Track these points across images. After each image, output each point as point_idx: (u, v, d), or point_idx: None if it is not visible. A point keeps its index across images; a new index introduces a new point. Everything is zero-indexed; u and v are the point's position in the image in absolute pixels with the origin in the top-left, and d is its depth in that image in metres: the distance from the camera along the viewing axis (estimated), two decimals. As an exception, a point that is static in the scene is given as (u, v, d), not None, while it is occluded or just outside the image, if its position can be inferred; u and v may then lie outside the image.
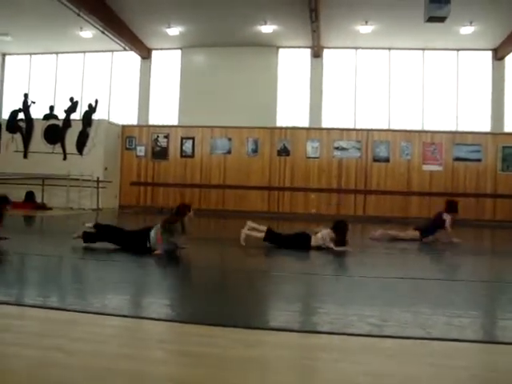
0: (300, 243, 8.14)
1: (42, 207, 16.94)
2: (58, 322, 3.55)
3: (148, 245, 6.97)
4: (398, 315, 3.98)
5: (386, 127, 18.47)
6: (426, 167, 17.61)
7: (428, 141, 17.65)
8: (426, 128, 18.33)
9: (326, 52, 19.02)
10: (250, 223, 8.35)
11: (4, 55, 21.15)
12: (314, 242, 8.15)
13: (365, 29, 16.62)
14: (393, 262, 7.72)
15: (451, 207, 10.48)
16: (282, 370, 2.76)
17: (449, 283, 5.70)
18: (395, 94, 18.71)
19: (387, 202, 17.59)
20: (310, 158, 18.15)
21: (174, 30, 17.67)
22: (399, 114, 18.64)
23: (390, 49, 18.61)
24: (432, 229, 10.33)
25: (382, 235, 10.31)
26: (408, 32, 16.91)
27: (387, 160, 17.83)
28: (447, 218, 10.19)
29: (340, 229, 8.29)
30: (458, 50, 18.35)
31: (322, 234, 8.19)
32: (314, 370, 2.82)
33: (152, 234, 7.02)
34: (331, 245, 8.01)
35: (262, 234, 8.24)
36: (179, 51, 19.80)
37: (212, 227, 14.07)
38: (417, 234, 10.25)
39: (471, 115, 18.46)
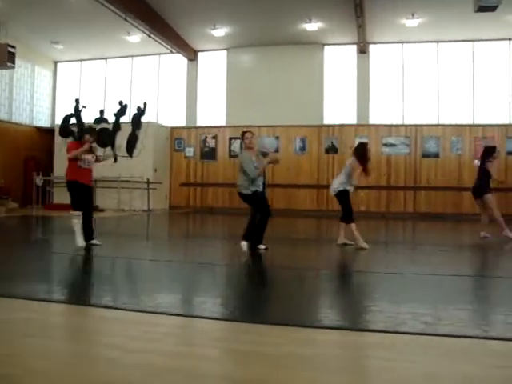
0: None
1: (95, 209, 17.34)
2: (116, 322, 3.63)
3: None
4: (454, 313, 3.90)
5: (435, 122, 18.04)
6: (477, 162, 17.07)
7: (479, 135, 17.15)
8: (477, 122, 17.78)
9: (371, 47, 18.73)
10: None
11: (56, 63, 21.75)
12: (336, 186, 8.01)
13: (411, 22, 16.24)
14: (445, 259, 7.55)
15: (488, 152, 10.36)
16: (335, 369, 2.75)
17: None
18: (444, 87, 18.16)
19: (439, 198, 17.21)
20: (358, 155, 17.93)
21: (220, 31, 17.75)
22: (449, 108, 18.10)
23: (437, 42, 18.11)
24: (482, 183, 10.13)
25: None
26: (457, 23, 16.41)
27: (437, 155, 17.46)
28: (487, 165, 10.03)
29: (360, 150, 8.00)
30: (510, 39, 17.69)
31: (345, 168, 7.96)
32: (368, 369, 2.79)
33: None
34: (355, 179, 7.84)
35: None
36: (225, 52, 19.89)
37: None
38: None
39: (525, 107, 17.82)
